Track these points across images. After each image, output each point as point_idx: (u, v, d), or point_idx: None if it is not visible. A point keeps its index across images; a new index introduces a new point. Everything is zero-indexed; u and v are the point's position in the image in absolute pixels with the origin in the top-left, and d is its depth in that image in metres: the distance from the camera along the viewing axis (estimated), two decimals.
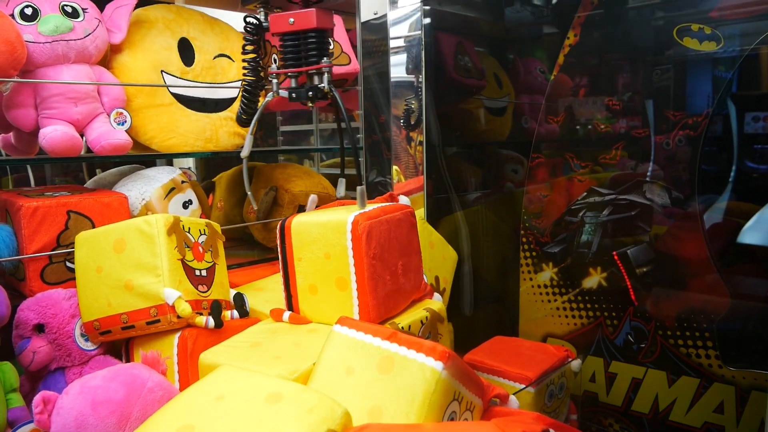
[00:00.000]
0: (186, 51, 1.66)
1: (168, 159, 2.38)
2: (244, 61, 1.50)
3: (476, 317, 2.16)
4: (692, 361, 1.70)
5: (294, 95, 1.33)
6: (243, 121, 1.54)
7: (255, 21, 1.46)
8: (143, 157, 1.79)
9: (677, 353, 1.73)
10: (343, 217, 1.23)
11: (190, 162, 2.72)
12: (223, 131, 1.72)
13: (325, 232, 1.24)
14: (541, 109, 2.12)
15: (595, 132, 1.95)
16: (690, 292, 1.75)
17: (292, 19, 1.28)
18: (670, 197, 1.81)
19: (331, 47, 1.38)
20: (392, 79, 2.27)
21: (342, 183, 1.74)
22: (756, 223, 1.42)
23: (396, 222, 1.32)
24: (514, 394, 1.44)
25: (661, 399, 1.77)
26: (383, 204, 1.35)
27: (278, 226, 1.31)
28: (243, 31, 1.50)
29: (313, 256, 1.26)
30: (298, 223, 1.28)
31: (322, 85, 1.31)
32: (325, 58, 1.31)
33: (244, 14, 2.05)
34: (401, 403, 0.90)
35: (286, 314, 1.31)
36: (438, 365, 0.91)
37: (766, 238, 1.34)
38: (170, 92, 1.61)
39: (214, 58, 1.71)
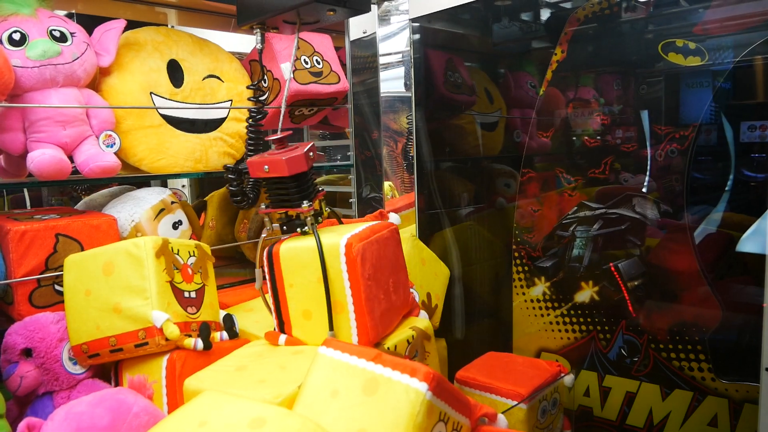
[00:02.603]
0: (175, 72, 1.67)
1: (162, 179, 2.40)
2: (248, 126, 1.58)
3: (470, 333, 2.16)
4: (685, 374, 1.70)
5: (285, 228, 1.37)
6: (242, 207, 1.65)
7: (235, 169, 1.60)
8: (136, 179, 1.79)
9: (670, 366, 1.72)
10: (335, 240, 1.22)
11: (183, 181, 2.73)
12: (213, 151, 1.73)
13: (317, 256, 1.24)
14: (531, 123, 2.14)
15: (584, 146, 1.97)
16: (682, 304, 1.75)
17: (266, 167, 1.31)
18: (659, 210, 1.82)
19: (311, 180, 1.39)
20: (382, 95, 2.29)
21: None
22: (754, 232, 1.42)
23: (384, 240, 1.33)
24: (505, 411, 1.43)
25: (656, 413, 1.76)
26: (371, 223, 1.35)
27: (266, 252, 1.30)
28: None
29: (305, 281, 1.25)
30: (287, 249, 1.28)
31: (306, 228, 1.32)
32: (305, 202, 1.31)
33: (233, 33, 2.08)
34: (386, 426, 0.90)
35: (282, 338, 1.31)
36: (422, 386, 0.90)
37: (764, 246, 1.34)
38: (159, 114, 1.62)
39: (204, 78, 1.73)
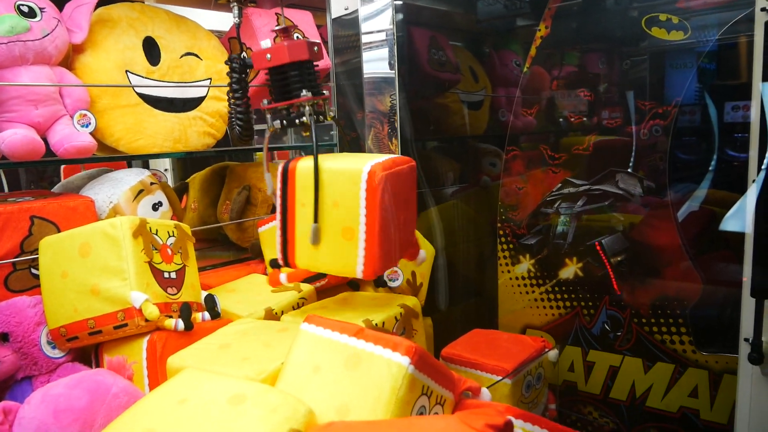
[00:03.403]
0: (151, 50, 1.63)
1: (144, 160, 2.36)
2: (231, 95, 1.53)
3: (455, 311, 2.16)
4: (667, 348, 1.72)
5: (285, 123, 1.37)
6: (245, 139, 1.57)
7: (240, 59, 1.50)
8: (113, 159, 1.76)
9: (652, 340, 1.75)
10: (358, 166, 1.19)
11: (167, 165, 2.69)
12: (192, 131, 1.70)
13: (337, 179, 1.20)
14: (515, 101, 2.12)
15: (567, 123, 1.96)
16: (664, 279, 1.77)
17: (269, 55, 1.33)
18: (642, 186, 1.82)
19: (313, 75, 1.39)
20: (365, 76, 2.25)
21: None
22: (737, 211, 1.43)
23: (404, 175, 1.30)
24: (490, 386, 1.44)
25: (638, 386, 1.79)
26: (392, 155, 1.31)
27: (281, 169, 1.27)
28: (228, 68, 1.52)
29: (319, 203, 1.22)
30: (305, 167, 1.23)
31: (304, 118, 1.32)
32: (304, 91, 1.33)
33: (214, 12, 2.03)
34: (368, 400, 0.89)
35: (283, 276, 1.29)
36: (404, 360, 0.90)
37: (750, 228, 1.35)
38: (136, 92, 1.58)
39: (181, 56, 1.69)
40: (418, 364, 0.91)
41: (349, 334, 0.97)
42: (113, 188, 1.53)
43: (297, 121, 1.34)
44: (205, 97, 1.73)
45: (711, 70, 1.71)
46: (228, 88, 1.54)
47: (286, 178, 1.26)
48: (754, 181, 1.34)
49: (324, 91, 1.39)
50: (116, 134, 1.56)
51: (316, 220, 1.22)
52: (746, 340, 1.35)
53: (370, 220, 1.18)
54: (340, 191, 1.20)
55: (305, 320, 1.04)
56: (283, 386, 0.98)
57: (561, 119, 1.98)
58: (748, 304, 1.35)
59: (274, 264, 1.37)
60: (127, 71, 1.57)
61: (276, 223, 1.32)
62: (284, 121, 1.37)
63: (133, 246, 1.22)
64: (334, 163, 1.23)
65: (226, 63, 1.52)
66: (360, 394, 0.90)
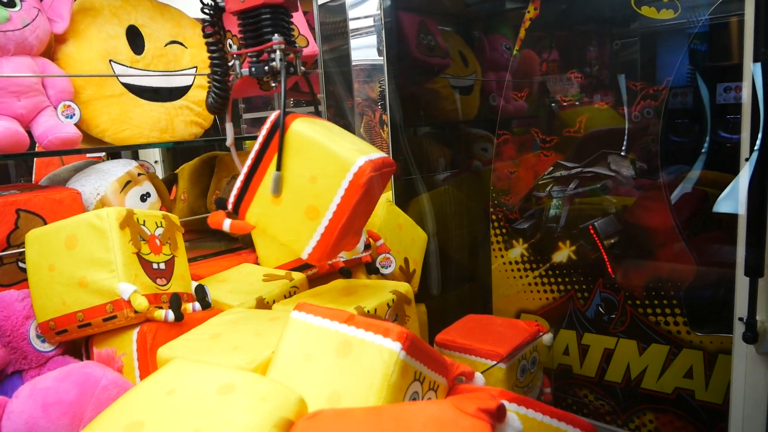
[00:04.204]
0: (135, 39, 1.60)
1: (134, 151, 2.33)
2: (207, 44, 1.45)
3: (450, 297, 2.16)
4: (661, 329, 1.72)
5: (254, 70, 1.31)
6: (216, 109, 1.49)
7: (212, 2, 1.42)
8: (100, 150, 1.74)
9: (646, 322, 1.75)
10: (351, 157, 1.15)
11: (156, 156, 2.66)
12: (179, 120, 1.67)
13: (325, 157, 1.16)
14: (505, 85, 2.11)
15: (558, 106, 1.95)
16: (657, 261, 1.76)
17: None
18: (635, 168, 1.81)
19: (288, 24, 1.34)
20: (354, 63, 2.23)
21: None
22: (730, 192, 1.42)
23: (384, 177, 1.27)
24: (484, 371, 1.44)
25: (633, 368, 1.79)
26: (381, 154, 1.27)
27: (272, 120, 1.21)
28: (201, 14, 1.45)
29: (297, 172, 1.18)
30: (300, 132, 1.19)
31: (274, 63, 1.27)
32: (276, 35, 1.28)
33: None
34: (360, 387, 0.88)
35: (227, 222, 1.25)
36: (396, 346, 0.89)
37: (743, 208, 1.34)
38: (120, 82, 1.55)
39: (166, 45, 1.66)
40: (410, 349, 0.90)
41: (340, 321, 0.96)
42: (100, 180, 1.51)
43: (266, 68, 1.28)
44: (191, 85, 1.70)
45: (702, 52, 1.70)
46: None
47: (274, 131, 1.21)
48: (747, 159, 1.33)
49: (298, 46, 1.35)
50: (101, 125, 1.54)
51: (278, 169, 1.18)
52: (740, 319, 1.35)
53: (339, 211, 1.16)
54: (323, 170, 1.17)
55: (296, 308, 1.03)
56: (274, 375, 0.97)
57: (551, 102, 1.97)
58: (742, 284, 1.35)
59: (220, 204, 1.32)
60: (110, 61, 1.54)
61: (242, 168, 1.26)
62: (253, 68, 1.31)
63: (120, 237, 1.20)
64: (330, 140, 1.19)
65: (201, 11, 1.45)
66: (352, 382, 0.90)
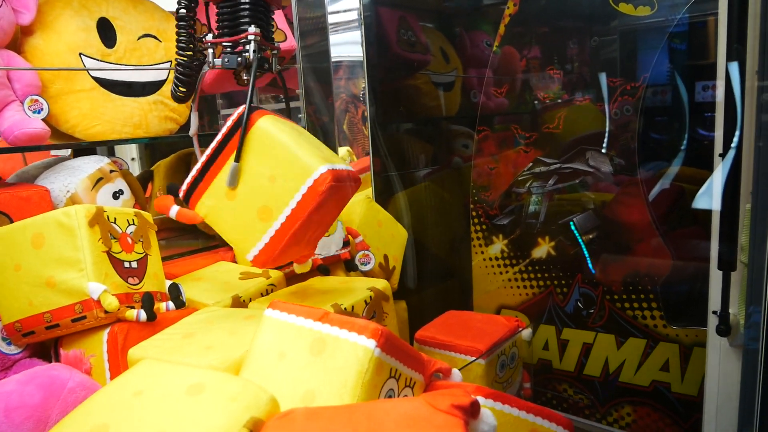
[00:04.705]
0: (106, 32, 1.56)
1: (109, 148, 2.28)
2: (177, 26, 1.42)
3: (430, 294, 2.15)
4: (638, 323, 1.73)
5: (227, 60, 1.28)
6: (180, 97, 1.45)
7: None
8: (71, 146, 1.69)
9: (624, 316, 1.76)
10: (313, 163, 1.12)
11: (133, 154, 2.61)
12: (153, 116, 1.64)
13: (288, 160, 1.13)
14: (485, 82, 2.10)
15: (538, 102, 1.95)
16: (635, 256, 1.78)
17: None
18: (612, 164, 1.82)
19: (267, 18, 1.33)
20: (333, 59, 2.20)
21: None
22: (707, 189, 1.44)
23: (345, 190, 1.23)
24: (463, 367, 1.43)
25: (611, 361, 1.80)
26: (347, 167, 1.24)
27: (237, 114, 1.18)
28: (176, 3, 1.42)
29: (257, 170, 1.15)
30: (265, 129, 1.16)
31: (246, 53, 1.25)
32: (252, 26, 1.25)
33: None
34: (334, 385, 0.87)
35: (174, 209, 1.23)
36: (370, 343, 0.88)
37: (718, 204, 1.36)
38: (91, 76, 1.51)
39: (139, 38, 1.62)
40: (385, 346, 0.89)
41: (314, 319, 0.95)
42: (70, 177, 1.47)
43: (239, 59, 1.25)
44: (165, 80, 1.67)
45: (681, 50, 1.71)
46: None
47: (239, 125, 1.18)
48: (720, 155, 1.35)
49: (276, 44, 1.33)
50: (71, 120, 1.50)
51: (237, 160, 1.15)
52: (714, 312, 1.37)
53: (293, 216, 1.13)
54: (283, 172, 1.14)
55: (269, 306, 1.01)
56: (247, 374, 0.95)
57: (531, 99, 1.97)
58: (715, 278, 1.36)
59: (172, 190, 1.29)
60: (80, 54, 1.50)
61: (200, 157, 1.23)
62: (226, 59, 1.27)
63: (90, 235, 1.17)
64: (295, 142, 1.16)
65: None
66: (326, 380, 0.88)
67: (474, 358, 1.47)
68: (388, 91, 2.17)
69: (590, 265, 1.83)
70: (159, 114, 1.65)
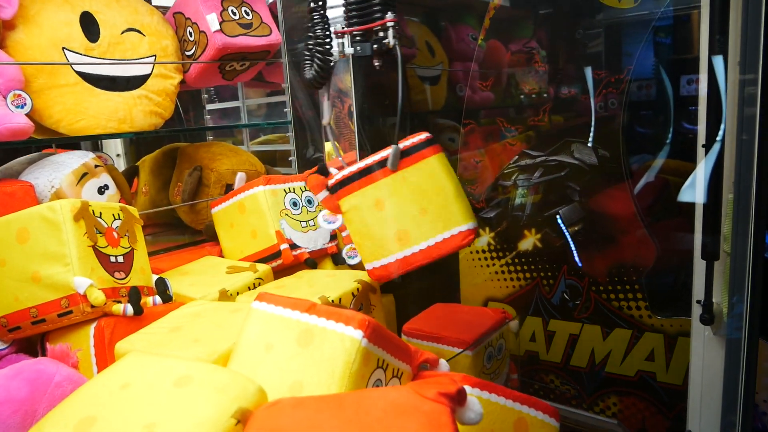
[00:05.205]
0: (90, 26, 1.55)
1: (95, 143, 2.26)
2: (311, 17, 1.41)
3: (418, 287, 2.16)
4: (624, 314, 1.75)
5: (359, 48, 1.32)
6: (318, 83, 1.47)
7: None
8: (56, 141, 1.68)
9: (610, 307, 1.78)
10: (466, 218, 1.20)
11: (119, 149, 2.59)
12: (138, 110, 1.63)
13: (445, 203, 1.20)
14: (471, 75, 2.11)
15: (523, 95, 1.96)
16: (620, 247, 1.80)
17: None
18: (597, 156, 1.84)
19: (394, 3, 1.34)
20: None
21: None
22: (692, 181, 1.46)
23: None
24: (450, 358, 1.44)
25: (597, 352, 1.82)
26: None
27: (420, 138, 1.25)
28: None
29: (414, 197, 1.21)
30: (437, 167, 1.24)
31: (387, 40, 1.27)
32: (389, 13, 1.27)
33: None
34: (322, 376, 0.87)
35: (323, 194, 1.28)
36: (357, 334, 0.88)
37: (709, 201, 1.38)
38: (74, 71, 1.50)
39: (122, 32, 1.61)
40: (372, 337, 0.89)
41: (301, 310, 0.95)
42: (55, 172, 1.46)
43: (374, 46, 1.28)
44: (150, 75, 1.66)
45: (666, 44, 1.73)
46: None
47: (421, 147, 1.24)
48: (703, 146, 1.36)
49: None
50: (55, 115, 1.48)
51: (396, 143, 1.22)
52: (698, 302, 1.39)
53: (426, 252, 1.23)
54: (436, 210, 1.21)
55: (256, 298, 1.01)
56: (235, 366, 0.95)
57: (517, 92, 1.98)
58: (699, 267, 1.38)
59: (323, 170, 1.33)
60: (63, 48, 1.48)
61: (367, 157, 1.27)
62: (358, 47, 1.31)
63: (75, 230, 1.16)
64: (456, 190, 1.25)
65: None
66: (313, 371, 0.88)
67: (461, 349, 1.48)
68: (374, 86, 2.17)
69: (576, 257, 1.85)
70: (144, 108, 1.64)
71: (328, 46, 1.39)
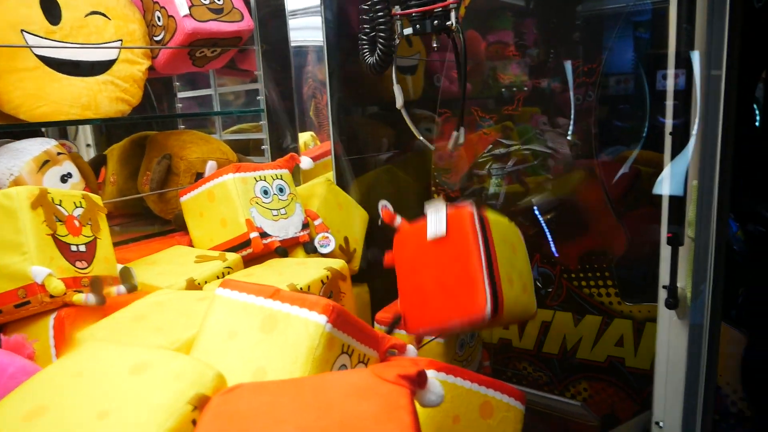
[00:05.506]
0: (50, 8, 1.50)
1: (62, 130, 2.21)
2: (372, 2, 1.40)
3: (393, 276, 2.15)
4: (595, 301, 1.77)
5: (418, 27, 1.33)
6: (379, 68, 1.48)
7: None
8: (18, 128, 1.63)
9: (581, 294, 1.80)
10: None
11: (88, 137, 2.53)
12: (103, 96, 1.58)
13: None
14: (445, 66, 2.10)
15: (497, 84, 1.96)
16: (591, 236, 1.81)
17: None
18: (570, 145, 1.85)
19: None
20: (293, 43, 2.17)
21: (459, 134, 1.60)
22: (667, 176, 1.48)
23: None
24: (422, 345, 1.44)
25: (569, 339, 1.84)
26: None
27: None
28: None
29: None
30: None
31: (450, 22, 1.28)
32: None
33: None
34: (285, 362, 0.86)
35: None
36: (321, 319, 0.87)
37: (676, 188, 1.40)
38: (35, 54, 1.45)
39: (86, 15, 1.56)
40: (336, 322, 0.88)
41: (265, 297, 0.93)
42: (14, 159, 1.41)
43: (435, 22, 1.28)
44: (116, 60, 1.61)
45: (644, 39, 1.75)
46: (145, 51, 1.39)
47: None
48: (671, 133, 1.38)
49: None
50: (15, 101, 1.44)
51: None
52: (664, 287, 1.41)
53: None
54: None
55: (221, 285, 0.99)
56: (197, 354, 0.93)
57: (493, 82, 1.98)
58: (665, 253, 1.40)
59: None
60: (22, 30, 1.43)
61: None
62: (417, 26, 1.31)
63: (32, 218, 1.13)
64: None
65: None
66: (277, 357, 0.87)
67: (432, 336, 1.48)
68: (351, 76, 2.15)
69: (553, 247, 1.86)
70: (109, 95, 1.60)
71: (390, 31, 1.39)
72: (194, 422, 0.71)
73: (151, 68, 1.72)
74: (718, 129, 1.24)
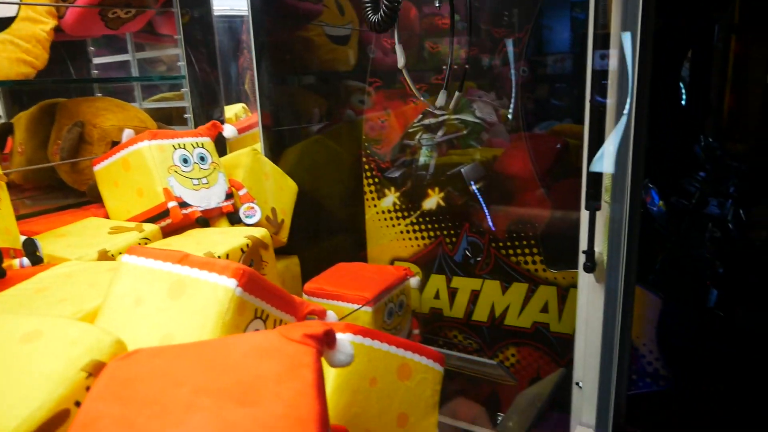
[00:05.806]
0: None
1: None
2: None
3: (324, 248, 2.14)
4: (521, 269, 1.82)
5: None
6: (382, 25, 1.40)
7: None
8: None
9: (509, 262, 1.84)
10: None
11: None
12: (2, 57, 1.46)
13: None
14: (375, 36, 2.07)
15: (427, 53, 1.95)
16: (519, 206, 1.85)
17: None
18: (497, 115, 1.87)
19: None
20: (216, 11, 2.08)
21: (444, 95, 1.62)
22: (603, 154, 1.52)
23: None
24: (349, 314, 1.44)
25: (497, 306, 1.89)
26: None
27: None
28: None
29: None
30: None
31: None
32: None
33: None
34: (193, 327, 0.83)
35: None
36: (231, 283, 0.84)
37: (610, 166, 1.44)
38: None
39: None
40: (247, 286, 0.86)
41: (173, 262, 0.89)
42: None
43: None
44: (15, 17, 1.49)
45: (581, 19, 1.77)
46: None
47: None
48: (590, 101, 1.42)
49: None
50: None
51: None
52: (583, 251, 1.46)
53: None
54: None
55: (127, 252, 0.94)
56: (102, 323, 0.88)
57: (427, 54, 1.97)
58: (584, 218, 1.45)
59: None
60: None
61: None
62: None
63: None
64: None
65: None
66: (185, 322, 0.84)
67: (359, 305, 1.48)
68: (278, 44, 2.09)
69: (490, 221, 1.88)
70: (9, 56, 1.47)
71: None
72: (89, 390, 0.67)
73: (57, 29, 1.60)
74: (631, 101, 1.29)
